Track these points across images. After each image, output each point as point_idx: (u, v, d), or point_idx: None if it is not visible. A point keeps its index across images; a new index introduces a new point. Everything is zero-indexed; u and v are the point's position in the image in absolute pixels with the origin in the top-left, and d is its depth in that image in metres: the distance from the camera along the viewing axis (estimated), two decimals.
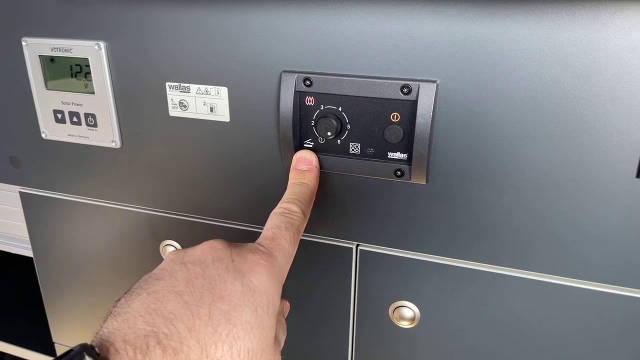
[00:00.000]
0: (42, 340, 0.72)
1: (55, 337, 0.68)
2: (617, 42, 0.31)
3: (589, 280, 0.39)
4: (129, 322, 0.23)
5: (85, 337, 0.65)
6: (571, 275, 0.39)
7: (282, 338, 0.34)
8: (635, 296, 0.38)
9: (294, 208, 0.36)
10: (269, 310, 0.28)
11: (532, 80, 0.34)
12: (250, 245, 0.31)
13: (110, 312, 0.25)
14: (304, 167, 0.40)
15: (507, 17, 0.33)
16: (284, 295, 0.33)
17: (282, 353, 0.53)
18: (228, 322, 0.25)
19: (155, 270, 0.28)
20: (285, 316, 0.38)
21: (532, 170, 0.37)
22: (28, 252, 0.62)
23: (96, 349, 0.22)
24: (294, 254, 0.34)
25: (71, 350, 0.21)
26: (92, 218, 0.55)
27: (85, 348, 0.21)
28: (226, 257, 0.29)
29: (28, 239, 0.60)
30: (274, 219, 0.35)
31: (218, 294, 0.26)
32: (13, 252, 0.67)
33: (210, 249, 0.29)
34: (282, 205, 0.36)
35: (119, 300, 0.26)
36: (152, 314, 0.24)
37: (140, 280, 0.28)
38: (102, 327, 0.24)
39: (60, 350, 0.69)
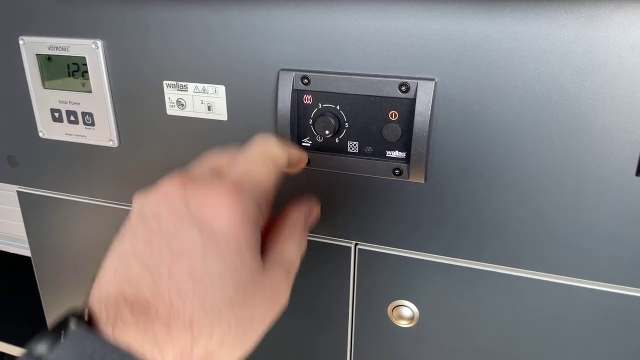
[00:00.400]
0: None
1: None
2: (616, 39, 0.31)
3: (589, 279, 0.39)
4: (101, 287, 0.24)
5: None
6: (571, 274, 0.39)
7: (295, 256, 0.30)
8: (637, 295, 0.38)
9: (272, 141, 0.30)
10: (242, 251, 0.25)
11: (531, 77, 0.34)
12: (213, 179, 0.26)
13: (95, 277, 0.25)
14: None
15: (505, 15, 0.33)
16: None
17: (280, 353, 0.53)
18: (191, 278, 0.23)
19: (126, 225, 0.26)
20: (312, 222, 0.33)
21: (531, 169, 0.36)
22: (26, 252, 0.62)
23: (84, 314, 0.23)
24: (272, 183, 0.28)
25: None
26: (90, 217, 0.55)
27: (72, 312, 0.23)
28: (180, 204, 0.25)
29: (26, 238, 0.60)
30: (247, 150, 0.29)
31: (176, 250, 0.24)
32: (11, 251, 0.67)
33: (164, 197, 0.26)
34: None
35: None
36: (120, 278, 0.24)
37: (118, 237, 0.26)
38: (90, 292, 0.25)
39: None
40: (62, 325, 0.22)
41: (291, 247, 0.30)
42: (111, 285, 0.24)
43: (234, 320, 0.24)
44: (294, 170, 0.33)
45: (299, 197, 0.33)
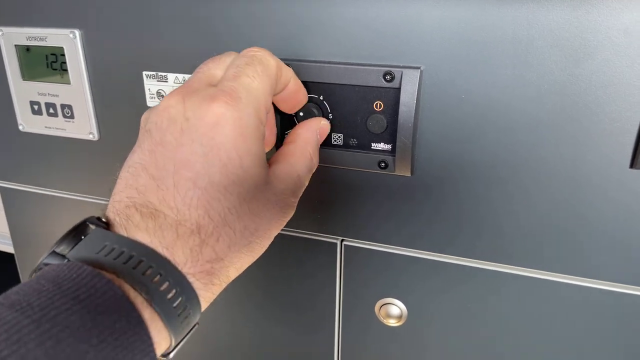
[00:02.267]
0: None
1: None
2: (609, 24, 0.30)
3: (581, 276, 0.37)
4: (114, 197, 0.26)
5: None
6: (563, 271, 0.38)
7: (303, 173, 0.31)
8: (635, 293, 0.36)
9: (260, 49, 0.29)
10: (244, 161, 0.25)
11: (520, 65, 0.32)
12: (209, 89, 0.27)
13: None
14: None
15: (492, 0, 0.31)
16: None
17: (266, 352, 0.51)
18: (196, 187, 0.24)
19: (138, 137, 0.27)
20: (324, 136, 0.35)
21: (521, 160, 0.35)
22: (10, 248, 0.61)
23: (102, 219, 0.26)
24: (269, 90, 0.28)
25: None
26: (73, 212, 0.53)
27: (90, 218, 0.25)
28: (179, 116, 0.25)
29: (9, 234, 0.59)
30: (235, 59, 0.29)
31: (179, 162, 0.25)
32: (3, 250, 0.66)
33: (164, 109, 0.26)
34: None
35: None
36: (130, 188, 0.25)
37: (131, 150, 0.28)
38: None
39: None
40: (80, 228, 0.25)
41: (300, 163, 0.31)
42: (123, 195, 0.25)
43: (239, 228, 0.26)
44: (292, 104, 0.34)
45: None
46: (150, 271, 0.23)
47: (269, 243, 0.28)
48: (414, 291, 0.43)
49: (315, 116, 0.37)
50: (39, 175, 0.52)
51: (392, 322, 0.45)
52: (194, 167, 0.24)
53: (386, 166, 0.38)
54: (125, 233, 0.24)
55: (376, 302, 0.45)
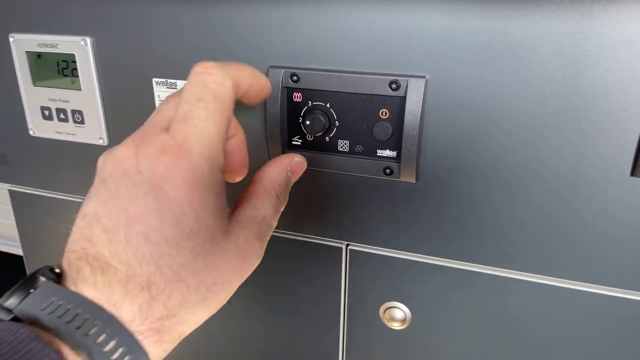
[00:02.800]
0: None
1: None
2: (610, 35, 0.30)
3: (582, 281, 0.38)
4: (69, 247, 0.25)
5: None
6: (564, 276, 0.38)
7: (269, 215, 0.29)
8: (635, 299, 0.37)
9: (211, 68, 0.26)
10: (199, 214, 0.24)
11: (523, 75, 0.33)
12: (161, 137, 0.25)
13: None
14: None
15: (497, 11, 0.32)
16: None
17: (272, 355, 0.52)
18: (147, 242, 0.24)
19: (94, 183, 0.26)
20: (298, 173, 0.32)
21: (523, 168, 0.36)
22: (18, 250, 0.62)
23: (55, 269, 0.25)
24: (223, 127, 0.26)
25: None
26: None
27: (42, 269, 0.24)
28: (133, 169, 0.24)
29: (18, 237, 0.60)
30: (185, 88, 0.26)
31: (132, 215, 0.24)
32: (3, 250, 0.66)
33: (119, 160, 0.25)
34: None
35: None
36: (84, 239, 0.25)
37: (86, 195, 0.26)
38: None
39: None
40: (30, 281, 0.24)
41: (265, 205, 0.29)
42: (77, 245, 0.25)
43: (193, 283, 0.24)
44: (257, 100, 0.30)
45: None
46: (95, 330, 0.22)
47: (229, 296, 0.27)
48: (417, 295, 0.44)
49: (322, 123, 0.38)
50: (49, 179, 0.53)
51: (396, 326, 0.45)
52: (146, 221, 0.24)
53: (391, 172, 0.38)
54: (75, 287, 0.23)
55: (380, 306, 0.45)
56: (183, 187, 0.24)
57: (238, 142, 0.32)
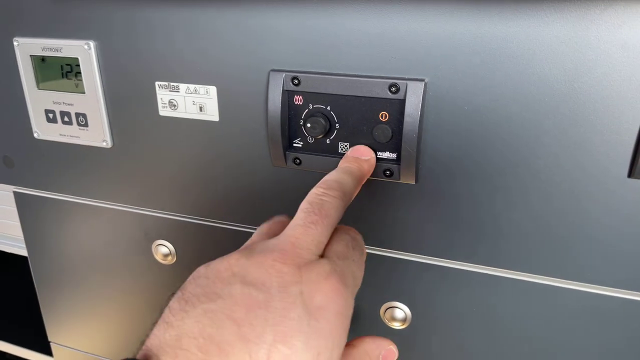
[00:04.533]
0: (43, 341, 0.72)
1: (50, 336, 0.68)
2: (607, 39, 0.31)
3: (580, 282, 0.38)
4: (181, 342, 0.22)
5: (80, 335, 0.65)
6: (563, 276, 0.39)
7: None
8: (632, 299, 0.38)
9: (361, 239, 0.30)
10: (333, 354, 0.24)
11: (521, 78, 0.33)
12: (322, 264, 0.25)
13: (163, 317, 0.23)
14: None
15: (495, 15, 0.33)
16: None
17: None
18: None
19: (214, 279, 0.24)
20: None
21: (522, 170, 0.36)
22: (24, 252, 0.63)
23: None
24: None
25: None
26: (85, 218, 0.55)
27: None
28: (294, 287, 0.24)
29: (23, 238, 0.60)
30: (342, 234, 0.29)
31: (281, 334, 0.22)
32: (9, 251, 0.67)
33: (277, 272, 0.24)
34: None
35: (172, 299, 0.24)
36: (207, 340, 0.22)
37: (196, 284, 0.24)
38: (152, 331, 0.23)
39: (55, 349, 0.69)
40: None
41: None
42: (193, 346, 0.22)
43: None
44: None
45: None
46: None
47: None
48: (418, 295, 0.44)
49: (323, 125, 0.39)
50: (53, 181, 0.54)
51: (397, 325, 0.46)
52: (293, 344, 0.22)
53: (391, 174, 0.39)
54: None
55: (381, 305, 0.46)
56: (333, 320, 0.24)
57: None
